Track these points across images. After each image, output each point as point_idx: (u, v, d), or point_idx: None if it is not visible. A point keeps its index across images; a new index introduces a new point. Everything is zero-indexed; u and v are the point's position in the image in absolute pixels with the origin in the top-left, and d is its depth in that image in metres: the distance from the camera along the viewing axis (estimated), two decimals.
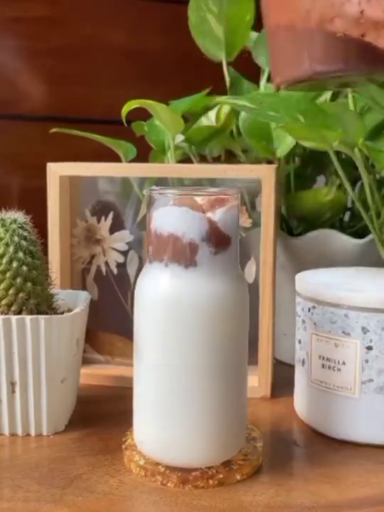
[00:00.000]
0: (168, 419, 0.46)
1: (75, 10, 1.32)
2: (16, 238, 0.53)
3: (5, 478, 0.47)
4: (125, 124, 0.71)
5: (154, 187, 0.48)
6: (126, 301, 0.69)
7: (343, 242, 0.67)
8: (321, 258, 0.67)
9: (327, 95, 0.67)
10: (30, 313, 0.54)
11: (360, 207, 0.65)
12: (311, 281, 0.56)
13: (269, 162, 0.69)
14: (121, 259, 0.68)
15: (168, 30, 1.34)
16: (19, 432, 0.54)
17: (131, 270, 0.68)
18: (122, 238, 0.68)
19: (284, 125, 0.58)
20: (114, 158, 0.73)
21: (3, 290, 0.53)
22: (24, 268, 0.53)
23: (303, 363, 0.57)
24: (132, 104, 0.67)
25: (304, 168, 0.76)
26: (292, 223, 0.73)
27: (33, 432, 0.54)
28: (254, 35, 0.76)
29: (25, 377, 0.53)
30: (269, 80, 0.73)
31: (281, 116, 0.59)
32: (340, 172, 0.64)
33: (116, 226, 0.68)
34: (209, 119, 0.72)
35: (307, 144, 0.64)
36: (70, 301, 0.59)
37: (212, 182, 0.66)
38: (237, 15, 0.73)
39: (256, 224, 0.66)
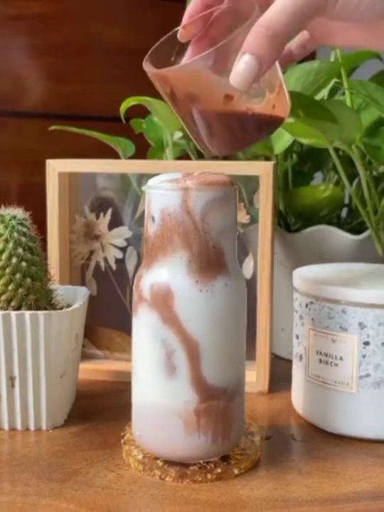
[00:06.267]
0: (166, 413, 0.46)
1: (74, 8, 1.33)
2: (15, 234, 0.54)
3: (4, 472, 0.48)
4: (124, 121, 0.71)
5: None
6: (124, 296, 0.69)
7: (341, 238, 0.67)
8: (318, 254, 0.68)
9: (325, 92, 0.67)
10: (30, 308, 0.54)
11: (358, 203, 0.65)
12: (308, 276, 0.57)
13: (267, 159, 0.70)
14: (119, 255, 0.69)
15: (166, 27, 1.35)
16: (18, 426, 0.55)
17: (129, 266, 0.69)
18: (121, 234, 0.68)
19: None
20: (112, 155, 0.73)
21: (2, 286, 0.53)
22: (23, 264, 0.54)
23: (300, 358, 0.57)
24: (131, 101, 0.68)
25: (302, 164, 0.77)
26: (290, 219, 0.74)
27: (32, 427, 0.55)
28: None
29: (24, 372, 0.53)
30: None
31: None
32: (340, 168, 0.65)
33: (115, 222, 0.68)
34: None
35: (305, 141, 0.65)
36: (69, 297, 0.59)
37: None
38: None
39: (254, 220, 0.66)
